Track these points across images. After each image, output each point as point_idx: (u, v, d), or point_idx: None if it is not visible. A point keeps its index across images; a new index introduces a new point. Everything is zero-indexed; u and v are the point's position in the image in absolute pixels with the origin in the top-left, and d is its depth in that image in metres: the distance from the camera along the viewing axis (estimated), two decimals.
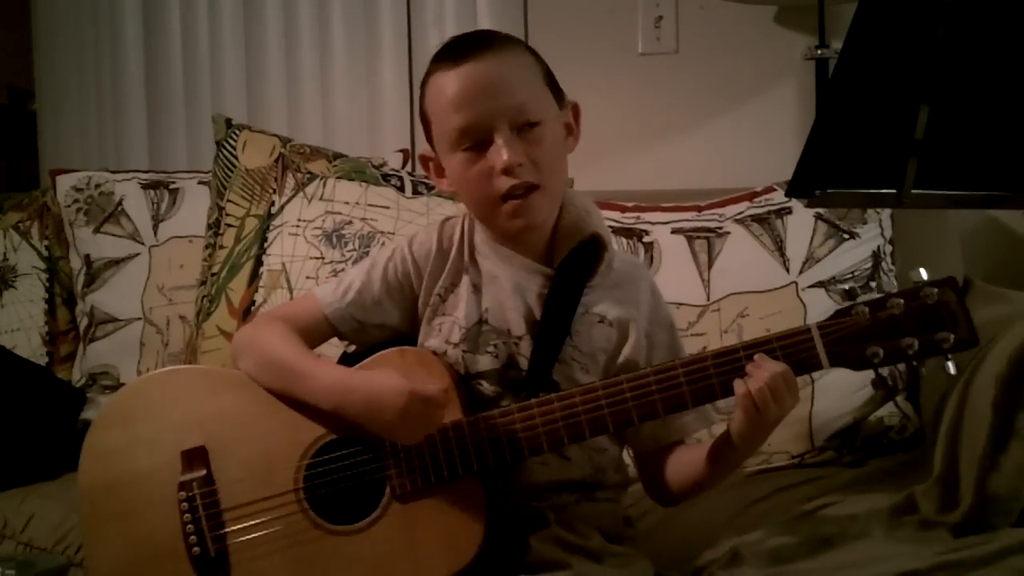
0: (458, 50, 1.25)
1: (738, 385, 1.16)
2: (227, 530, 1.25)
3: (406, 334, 1.36)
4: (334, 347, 1.42)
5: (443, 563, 1.20)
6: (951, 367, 1.15)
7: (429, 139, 1.33)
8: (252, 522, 1.25)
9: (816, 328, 1.16)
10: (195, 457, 1.27)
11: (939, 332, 1.13)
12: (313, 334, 1.35)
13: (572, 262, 1.31)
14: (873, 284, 1.78)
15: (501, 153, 1.21)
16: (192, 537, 1.25)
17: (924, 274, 1.16)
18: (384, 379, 1.21)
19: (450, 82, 1.24)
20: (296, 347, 1.30)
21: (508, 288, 1.31)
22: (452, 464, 1.21)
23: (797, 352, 1.17)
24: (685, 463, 1.31)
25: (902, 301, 1.14)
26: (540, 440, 1.21)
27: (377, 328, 1.36)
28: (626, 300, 1.34)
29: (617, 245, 1.77)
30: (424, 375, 1.25)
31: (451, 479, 1.21)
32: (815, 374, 1.71)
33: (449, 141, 1.25)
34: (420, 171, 2.23)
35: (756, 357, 1.16)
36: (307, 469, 1.25)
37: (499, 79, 1.24)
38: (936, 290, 1.14)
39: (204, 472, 1.27)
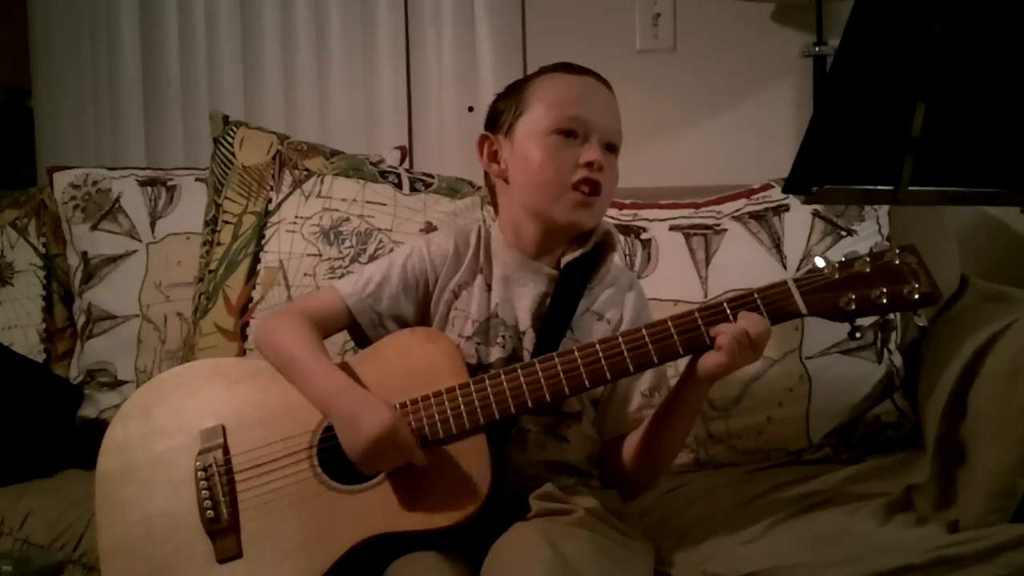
0: (581, 68, 1.47)
1: (724, 327, 1.26)
2: (239, 488, 1.30)
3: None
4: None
5: (452, 511, 1.23)
6: (920, 320, 1.33)
7: (498, 126, 1.47)
8: (265, 484, 1.29)
9: (791, 280, 1.28)
10: (213, 433, 1.34)
11: (904, 286, 1.24)
12: (331, 324, 1.44)
13: (578, 264, 1.43)
14: None
15: (595, 150, 1.39)
16: (207, 502, 1.30)
17: (886, 245, 1.27)
18: (376, 403, 1.26)
19: (574, 83, 1.45)
20: (306, 344, 1.37)
21: (517, 288, 1.43)
22: (459, 419, 1.26)
23: (777, 301, 1.27)
24: (643, 432, 1.40)
25: (868, 260, 1.26)
26: (543, 392, 1.27)
27: (393, 320, 1.44)
28: (618, 298, 1.47)
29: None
30: (432, 348, 1.34)
31: (458, 434, 1.26)
32: (812, 372, 1.74)
33: (550, 123, 1.41)
34: (418, 168, 2.23)
35: (740, 313, 1.27)
36: (323, 432, 1.30)
37: (611, 102, 1.46)
38: (898, 251, 1.26)
39: (221, 442, 1.33)
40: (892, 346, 1.76)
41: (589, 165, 1.38)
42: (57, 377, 2.08)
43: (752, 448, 1.75)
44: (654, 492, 1.51)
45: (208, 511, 1.29)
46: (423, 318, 1.45)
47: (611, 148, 1.42)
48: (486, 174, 1.51)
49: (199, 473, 1.31)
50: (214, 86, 2.63)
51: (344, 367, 1.35)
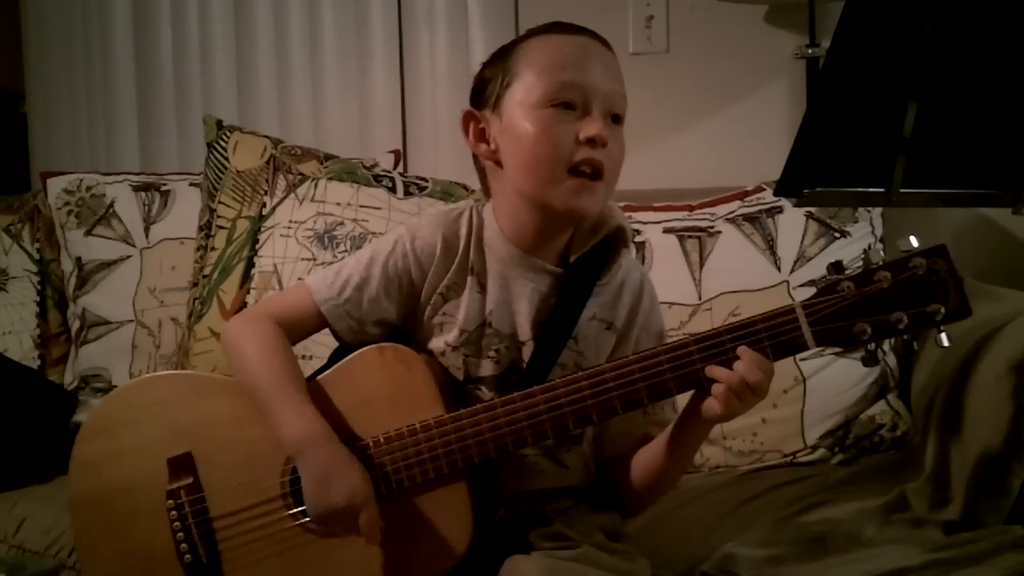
0: (575, 27, 1.27)
1: (719, 372, 1.12)
2: (217, 537, 1.25)
3: (404, 331, 1.32)
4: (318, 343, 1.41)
5: (433, 562, 1.19)
6: (944, 339, 1.08)
7: (484, 99, 1.28)
8: (242, 528, 1.24)
9: (800, 308, 1.11)
10: (181, 465, 1.26)
11: (929, 304, 1.06)
12: (303, 328, 1.31)
13: (586, 260, 1.28)
14: None
15: (597, 122, 1.20)
16: (183, 545, 1.24)
17: (914, 242, 1.09)
18: (350, 467, 1.17)
19: (567, 44, 1.25)
20: (275, 366, 1.24)
21: (516, 289, 1.27)
22: (436, 461, 1.19)
23: (782, 333, 1.11)
24: (645, 458, 1.28)
25: (889, 274, 1.08)
26: (524, 433, 1.17)
27: (375, 325, 1.29)
28: (627, 303, 1.31)
29: None
30: (403, 372, 1.22)
31: (436, 477, 1.19)
32: (806, 373, 1.74)
33: (544, 93, 1.21)
34: (412, 172, 2.23)
35: (740, 350, 1.12)
36: (292, 472, 1.23)
37: (612, 63, 1.26)
38: (925, 260, 1.07)
39: (191, 479, 1.25)
40: (886, 347, 1.76)
41: (591, 142, 1.19)
42: (51, 383, 2.08)
43: (747, 450, 1.75)
44: None
45: (186, 555, 1.24)
46: (408, 317, 1.29)
47: (616, 119, 1.24)
48: (475, 157, 1.31)
49: (171, 513, 1.24)
50: (208, 90, 2.63)
51: (311, 389, 1.24)
